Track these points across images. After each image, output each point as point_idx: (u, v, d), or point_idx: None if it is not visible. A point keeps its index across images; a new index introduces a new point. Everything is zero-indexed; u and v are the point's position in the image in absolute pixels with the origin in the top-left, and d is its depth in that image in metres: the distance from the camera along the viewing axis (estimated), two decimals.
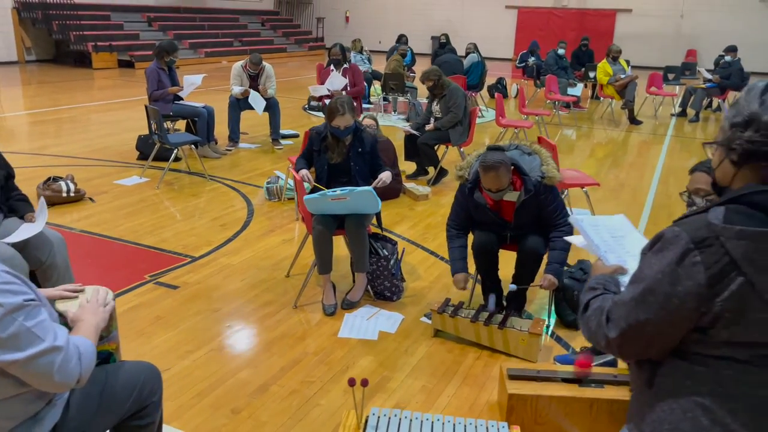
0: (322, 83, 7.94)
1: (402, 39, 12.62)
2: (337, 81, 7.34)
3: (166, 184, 6.02)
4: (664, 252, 1.29)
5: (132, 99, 11.28)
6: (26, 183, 5.54)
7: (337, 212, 3.55)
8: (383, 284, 3.77)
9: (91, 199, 5.48)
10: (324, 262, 3.59)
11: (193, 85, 7.01)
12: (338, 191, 3.38)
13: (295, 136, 8.35)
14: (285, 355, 3.18)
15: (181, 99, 7.14)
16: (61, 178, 5.46)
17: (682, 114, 11.28)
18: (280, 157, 7.30)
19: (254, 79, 7.56)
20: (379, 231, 3.92)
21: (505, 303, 3.57)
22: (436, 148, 6.34)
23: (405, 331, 3.46)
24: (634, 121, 10.33)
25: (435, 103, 6.36)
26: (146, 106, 5.98)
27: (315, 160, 3.81)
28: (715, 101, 11.85)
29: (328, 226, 3.56)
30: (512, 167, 3.22)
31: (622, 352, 1.38)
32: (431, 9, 24.36)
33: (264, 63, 7.51)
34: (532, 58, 12.85)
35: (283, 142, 7.96)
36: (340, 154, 3.74)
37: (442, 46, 12.55)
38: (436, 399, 2.86)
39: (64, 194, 5.32)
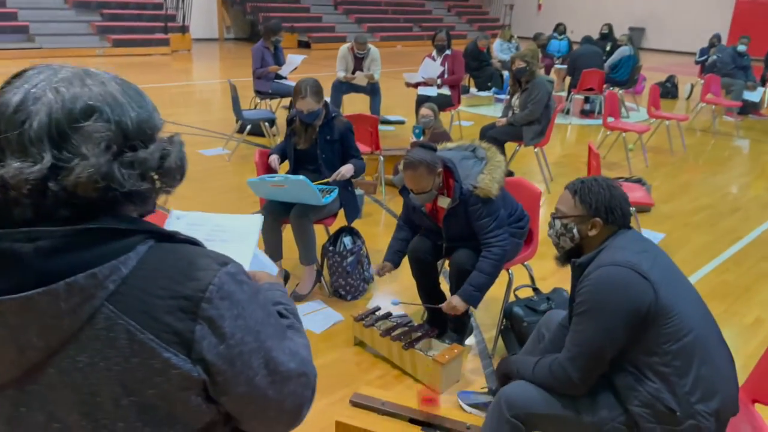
0: None
1: (559, 28, 11.74)
2: (431, 68, 7.04)
3: (240, 158, 6.31)
4: None
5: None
6: None
7: (280, 199, 3.42)
8: (338, 281, 3.56)
9: None
10: (271, 249, 3.49)
11: (292, 64, 7.23)
12: (276, 177, 3.25)
13: (401, 122, 8.23)
14: None
15: (284, 77, 7.40)
16: None
17: None
18: None
19: (360, 61, 7.56)
20: (345, 224, 3.69)
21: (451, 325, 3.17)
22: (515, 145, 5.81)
23: (330, 334, 3.24)
24: None
25: (516, 97, 5.81)
26: (229, 81, 6.30)
27: (286, 145, 3.70)
28: None
29: (275, 213, 3.45)
30: (443, 170, 2.83)
31: None
32: None
33: (370, 46, 7.47)
34: (714, 55, 11.14)
35: (385, 127, 7.88)
36: (307, 141, 3.58)
37: (603, 37, 11.44)
38: None
39: None
